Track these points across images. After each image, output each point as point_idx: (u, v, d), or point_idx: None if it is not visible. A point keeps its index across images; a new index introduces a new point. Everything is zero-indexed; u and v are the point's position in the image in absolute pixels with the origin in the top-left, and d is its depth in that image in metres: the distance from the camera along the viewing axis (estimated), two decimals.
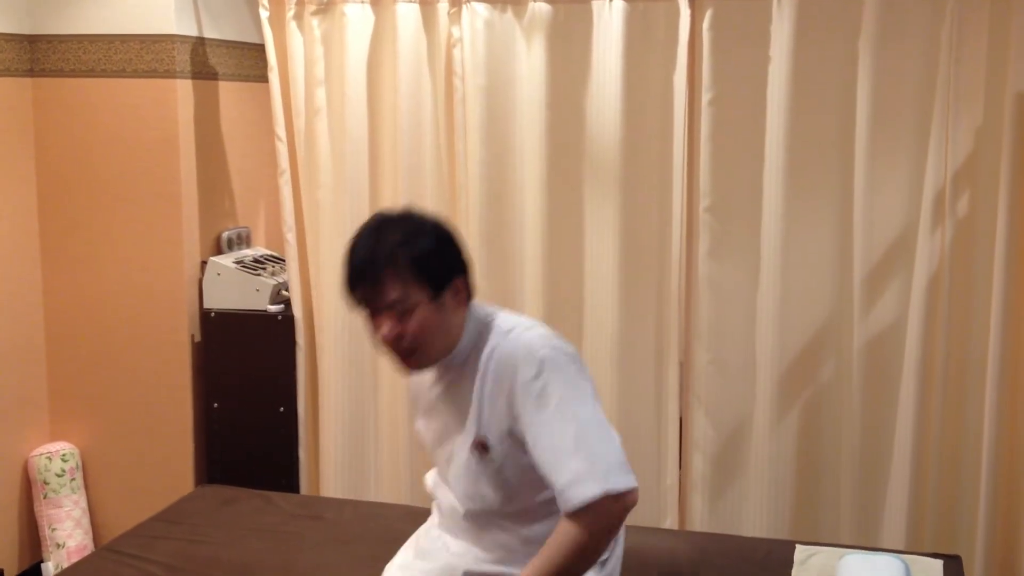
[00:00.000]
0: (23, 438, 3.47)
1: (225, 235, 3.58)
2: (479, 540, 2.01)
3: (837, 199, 2.98)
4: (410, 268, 1.84)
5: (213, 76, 3.50)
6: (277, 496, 2.91)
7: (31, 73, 3.42)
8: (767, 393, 3.04)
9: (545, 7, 3.07)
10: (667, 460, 3.20)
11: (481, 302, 2.01)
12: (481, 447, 1.92)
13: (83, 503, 3.52)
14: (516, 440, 1.88)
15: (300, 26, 3.26)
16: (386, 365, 3.36)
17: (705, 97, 2.99)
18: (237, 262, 3.47)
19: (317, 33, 3.26)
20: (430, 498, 2.17)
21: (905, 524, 2.98)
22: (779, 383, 3.04)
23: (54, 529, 3.44)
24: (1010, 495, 2.93)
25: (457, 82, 3.15)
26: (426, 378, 2.05)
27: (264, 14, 3.27)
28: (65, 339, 3.53)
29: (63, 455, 3.48)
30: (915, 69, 2.88)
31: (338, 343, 3.36)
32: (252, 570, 2.45)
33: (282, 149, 3.35)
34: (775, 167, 2.96)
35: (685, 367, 3.18)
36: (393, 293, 1.84)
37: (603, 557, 2.01)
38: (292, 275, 3.40)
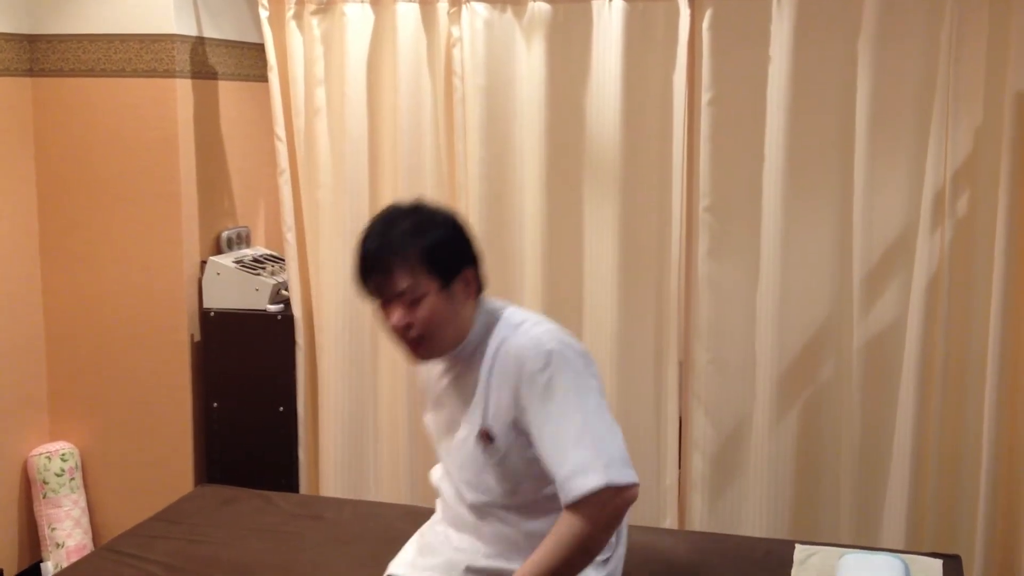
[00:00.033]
0: (22, 438, 3.47)
1: (225, 235, 3.58)
2: (482, 533, 2.02)
3: (837, 199, 2.98)
4: (419, 258, 1.87)
5: (213, 76, 3.50)
6: (277, 496, 2.91)
7: (31, 73, 3.42)
8: (767, 393, 3.04)
9: (545, 7, 3.07)
10: (667, 460, 3.20)
11: (492, 296, 2.04)
12: (486, 437, 1.93)
13: (82, 503, 3.52)
14: (521, 432, 1.90)
15: (300, 26, 3.26)
16: (386, 365, 3.36)
17: (705, 97, 2.99)
18: (237, 262, 3.47)
19: (317, 33, 3.26)
20: (435, 493, 2.18)
21: (905, 524, 2.98)
22: (779, 383, 3.04)
23: (53, 529, 3.44)
24: (1010, 495, 2.93)
25: (457, 82, 3.15)
26: (435, 370, 2.07)
27: (264, 13, 3.26)
28: (65, 339, 3.53)
29: (62, 455, 3.48)
30: (915, 69, 2.88)
31: (338, 343, 3.36)
32: (252, 570, 2.45)
33: (282, 149, 3.35)
34: (775, 167, 2.96)
35: (685, 367, 3.18)
36: (403, 282, 1.87)
37: (605, 556, 2.02)
38: (292, 275, 3.40)
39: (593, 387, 1.87)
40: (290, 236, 3.38)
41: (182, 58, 3.34)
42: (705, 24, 2.96)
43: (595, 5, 3.03)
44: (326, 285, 3.35)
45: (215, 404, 3.47)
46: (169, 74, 3.31)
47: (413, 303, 1.88)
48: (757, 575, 2.40)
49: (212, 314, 3.43)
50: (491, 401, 1.93)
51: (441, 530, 2.11)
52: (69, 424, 3.57)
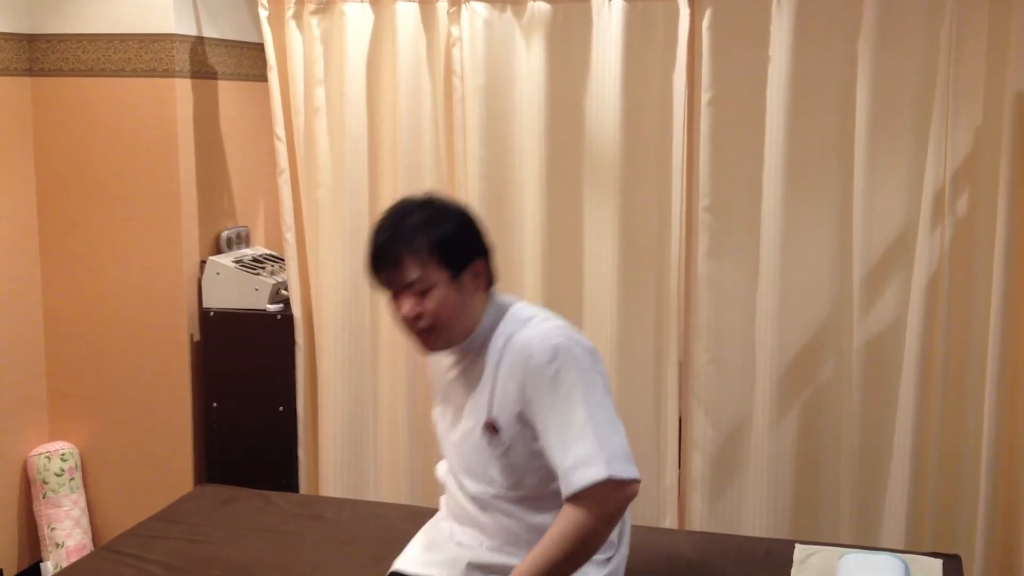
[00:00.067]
0: (22, 437, 3.47)
1: (224, 234, 3.58)
2: (485, 526, 2.03)
3: (836, 199, 2.98)
4: (429, 249, 1.90)
5: (212, 75, 3.50)
6: (276, 496, 2.91)
7: (30, 72, 3.42)
8: (766, 393, 3.04)
9: (544, 6, 3.07)
10: (666, 459, 3.20)
11: (503, 292, 2.06)
12: (491, 428, 1.95)
13: (82, 502, 3.52)
14: (526, 424, 1.92)
15: (299, 25, 3.26)
16: (386, 365, 3.36)
17: (704, 97, 2.99)
18: (236, 261, 3.47)
19: (316, 32, 3.26)
20: (439, 490, 2.19)
21: (904, 523, 2.98)
22: (778, 383, 3.04)
23: (53, 528, 3.44)
24: (1010, 495, 2.93)
25: (456, 81, 3.15)
26: (444, 363, 2.09)
27: (263, 13, 3.26)
28: (64, 338, 3.53)
29: (62, 454, 3.48)
30: (914, 69, 2.88)
31: (337, 342, 3.36)
32: (251, 569, 2.45)
33: (281, 148, 3.34)
34: (774, 167, 2.96)
35: (684, 367, 3.18)
36: (412, 273, 1.91)
37: (607, 555, 2.03)
38: (291, 274, 3.40)
39: (599, 383, 1.90)
40: (290, 236, 3.38)
41: (181, 58, 3.33)
42: (705, 24, 2.96)
43: (595, 5, 3.03)
44: (326, 285, 3.35)
45: (215, 404, 3.47)
46: (169, 74, 3.31)
47: (422, 293, 1.92)
48: (757, 575, 2.40)
49: (212, 314, 3.43)
50: (497, 393, 1.95)
51: (446, 526, 2.13)
52: (69, 424, 3.56)
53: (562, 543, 1.81)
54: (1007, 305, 2.83)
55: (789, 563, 2.43)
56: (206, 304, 3.45)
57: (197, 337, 3.47)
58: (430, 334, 1.96)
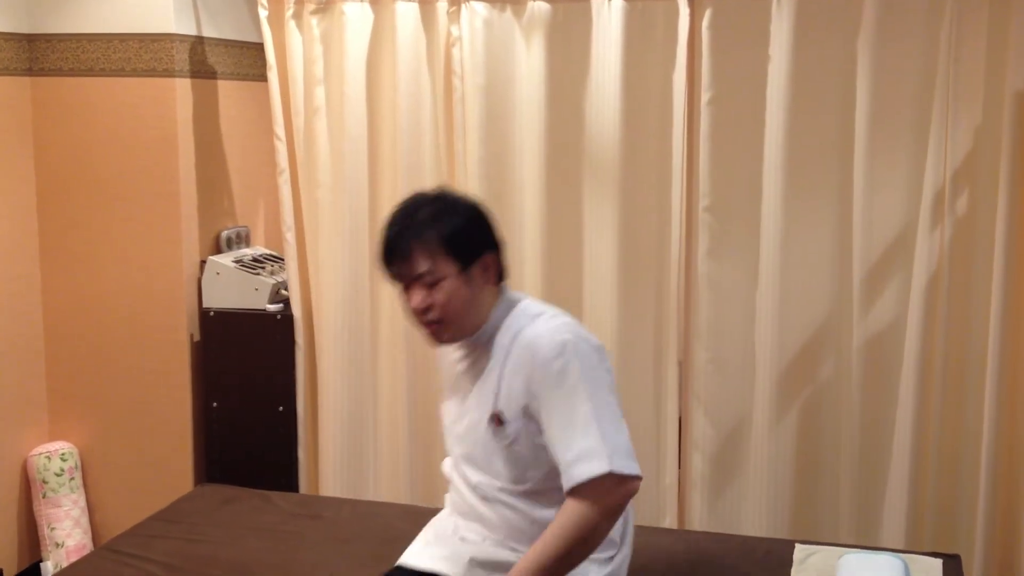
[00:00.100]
0: (22, 437, 3.47)
1: (224, 234, 3.58)
2: (488, 520, 2.04)
3: (836, 198, 2.98)
4: (439, 242, 1.93)
5: (212, 75, 3.50)
6: (276, 495, 2.91)
7: (30, 72, 3.42)
8: (766, 392, 3.04)
9: (544, 6, 3.07)
10: (666, 459, 3.20)
11: (513, 288, 2.09)
12: (497, 420, 1.97)
13: (82, 502, 3.52)
14: (531, 418, 1.94)
15: (299, 25, 3.26)
16: (386, 365, 3.36)
17: (704, 96, 2.99)
18: (236, 261, 3.47)
19: (316, 32, 3.26)
20: (444, 487, 2.20)
21: (904, 523, 2.98)
22: (778, 382, 3.04)
23: (53, 528, 3.44)
24: (1009, 494, 2.93)
25: (456, 81, 3.15)
26: (454, 356, 2.11)
27: (263, 13, 3.26)
28: (64, 338, 3.53)
29: (62, 454, 3.47)
30: (914, 68, 2.88)
31: (337, 342, 3.36)
32: (251, 569, 2.45)
33: (281, 148, 3.34)
34: (774, 166, 2.96)
35: (684, 366, 3.18)
36: (422, 265, 1.93)
37: (609, 554, 2.04)
38: (291, 274, 3.40)
39: (605, 381, 1.92)
40: (289, 236, 3.38)
41: (181, 57, 3.33)
42: (705, 24, 2.96)
43: (594, 4, 3.03)
44: (326, 285, 3.35)
45: (215, 404, 3.47)
46: (168, 73, 3.31)
47: (432, 286, 1.94)
48: (757, 575, 2.40)
49: (212, 314, 3.43)
50: (504, 386, 1.96)
51: (450, 521, 2.14)
52: (68, 424, 3.56)
53: (563, 536, 1.83)
54: (1007, 305, 2.83)
55: (789, 563, 2.43)
56: (206, 304, 3.45)
57: (197, 337, 3.47)
58: (439, 326, 1.98)
